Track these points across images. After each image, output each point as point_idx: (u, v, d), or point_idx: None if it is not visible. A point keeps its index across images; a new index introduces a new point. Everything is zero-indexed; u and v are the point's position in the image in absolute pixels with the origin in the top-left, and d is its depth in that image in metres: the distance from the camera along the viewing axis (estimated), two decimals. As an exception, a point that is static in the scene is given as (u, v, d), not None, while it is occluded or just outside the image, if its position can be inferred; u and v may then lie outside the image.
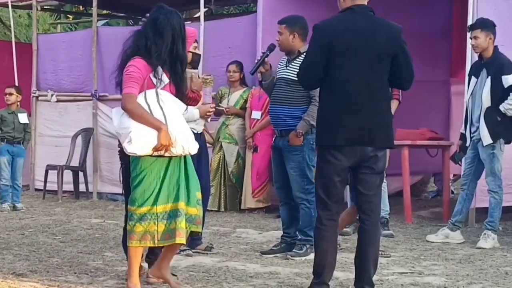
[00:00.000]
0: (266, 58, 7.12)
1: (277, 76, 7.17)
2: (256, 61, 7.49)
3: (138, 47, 5.33)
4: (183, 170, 5.35)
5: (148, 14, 5.49)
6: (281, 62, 7.28)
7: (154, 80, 5.27)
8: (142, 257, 6.15)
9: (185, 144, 5.23)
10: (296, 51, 7.08)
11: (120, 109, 5.27)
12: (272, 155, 7.51)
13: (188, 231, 5.36)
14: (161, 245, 5.38)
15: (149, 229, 5.23)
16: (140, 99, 5.19)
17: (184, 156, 5.35)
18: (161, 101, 5.23)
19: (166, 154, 5.20)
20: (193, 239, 7.31)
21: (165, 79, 5.31)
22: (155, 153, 5.16)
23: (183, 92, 5.47)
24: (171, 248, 5.48)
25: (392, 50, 5.26)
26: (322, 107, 5.44)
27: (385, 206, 8.63)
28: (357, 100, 5.24)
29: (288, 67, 7.08)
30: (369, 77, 5.25)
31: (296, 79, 6.50)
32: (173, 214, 5.26)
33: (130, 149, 5.14)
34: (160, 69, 5.27)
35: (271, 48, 7.22)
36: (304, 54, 6.69)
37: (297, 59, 6.94)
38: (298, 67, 6.53)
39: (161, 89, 5.29)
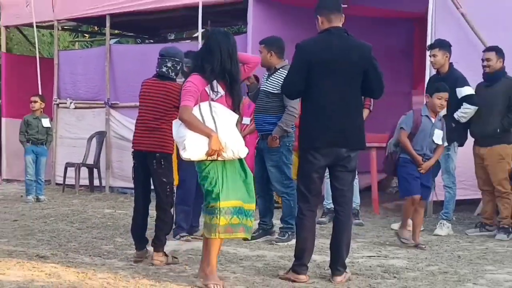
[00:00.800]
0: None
1: (261, 88, 7.20)
2: None
3: (194, 65, 5.22)
4: (242, 172, 5.17)
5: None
6: (264, 76, 7.31)
7: (209, 92, 5.08)
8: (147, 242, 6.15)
9: (235, 148, 5.03)
10: (273, 67, 7.10)
11: (178, 120, 5.13)
12: (255, 155, 7.51)
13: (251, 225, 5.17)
14: (222, 237, 5.13)
15: (212, 222, 5.02)
16: (195, 110, 5.01)
17: (240, 160, 5.17)
18: (214, 112, 5.03)
19: (219, 158, 5.01)
20: (192, 227, 7.31)
21: (221, 91, 5.13)
22: (209, 158, 4.99)
23: (236, 103, 5.23)
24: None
25: (363, 66, 5.28)
26: (304, 115, 5.43)
27: (356, 199, 8.64)
28: (334, 109, 5.25)
29: (267, 81, 7.12)
30: (344, 90, 5.27)
31: (273, 91, 6.61)
32: (235, 211, 5.05)
33: (185, 155, 4.99)
34: (215, 82, 5.10)
35: None
36: (281, 69, 6.85)
37: (274, 74, 7.04)
38: (275, 81, 6.85)
39: (217, 100, 5.09)
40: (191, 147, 4.96)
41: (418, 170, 6.97)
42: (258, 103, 7.22)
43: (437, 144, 7.07)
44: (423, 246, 6.93)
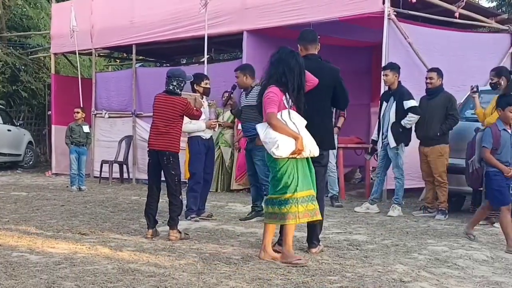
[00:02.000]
0: (232, 94, 7.17)
1: (242, 105, 7.17)
2: (223, 98, 7.56)
3: (274, 79, 4.87)
4: (307, 167, 4.89)
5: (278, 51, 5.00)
6: (242, 96, 7.29)
7: (285, 102, 4.82)
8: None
9: (311, 148, 4.80)
10: (249, 86, 7.10)
11: (263, 124, 4.84)
12: (245, 154, 7.50)
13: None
14: (302, 222, 4.87)
15: (291, 210, 4.75)
16: (278, 116, 4.77)
17: (306, 158, 4.88)
18: (292, 118, 4.82)
19: (298, 157, 4.78)
20: (199, 209, 7.28)
21: (291, 102, 4.88)
22: (291, 156, 4.74)
23: (301, 110, 4.95)
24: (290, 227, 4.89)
25: (333, 85, 5.26)
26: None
27: (335, 187, 8.72)
28: (310, 118, 5.20)
29: (247, 98, 7.08)
30: (318, 103, 5.24)
31: (254, 104, 6.55)
32: (309, 199, 4.82)
33: (278, 153, 4.69)
34: (287, 93, 4.86)
35: (234, 87, 7.28)
36: (255, 87, 6.86)
37: (252, 91, 7.01)
38: (254, 96, 6.66)
39: (290, 108, 4.87)
40: (283, 146, 4.72)
41: (509, 177, 5.82)
42: (244, 115, 7.15)
43: None
44: (472, 237, 6.17)
